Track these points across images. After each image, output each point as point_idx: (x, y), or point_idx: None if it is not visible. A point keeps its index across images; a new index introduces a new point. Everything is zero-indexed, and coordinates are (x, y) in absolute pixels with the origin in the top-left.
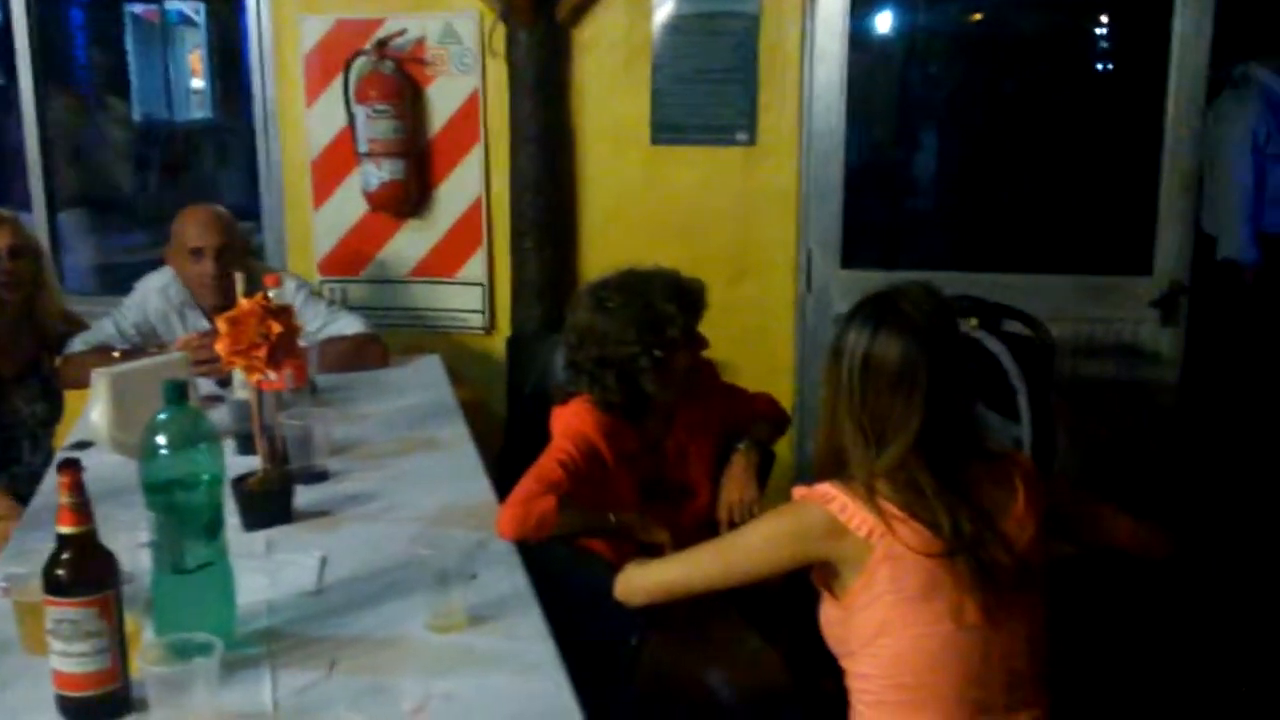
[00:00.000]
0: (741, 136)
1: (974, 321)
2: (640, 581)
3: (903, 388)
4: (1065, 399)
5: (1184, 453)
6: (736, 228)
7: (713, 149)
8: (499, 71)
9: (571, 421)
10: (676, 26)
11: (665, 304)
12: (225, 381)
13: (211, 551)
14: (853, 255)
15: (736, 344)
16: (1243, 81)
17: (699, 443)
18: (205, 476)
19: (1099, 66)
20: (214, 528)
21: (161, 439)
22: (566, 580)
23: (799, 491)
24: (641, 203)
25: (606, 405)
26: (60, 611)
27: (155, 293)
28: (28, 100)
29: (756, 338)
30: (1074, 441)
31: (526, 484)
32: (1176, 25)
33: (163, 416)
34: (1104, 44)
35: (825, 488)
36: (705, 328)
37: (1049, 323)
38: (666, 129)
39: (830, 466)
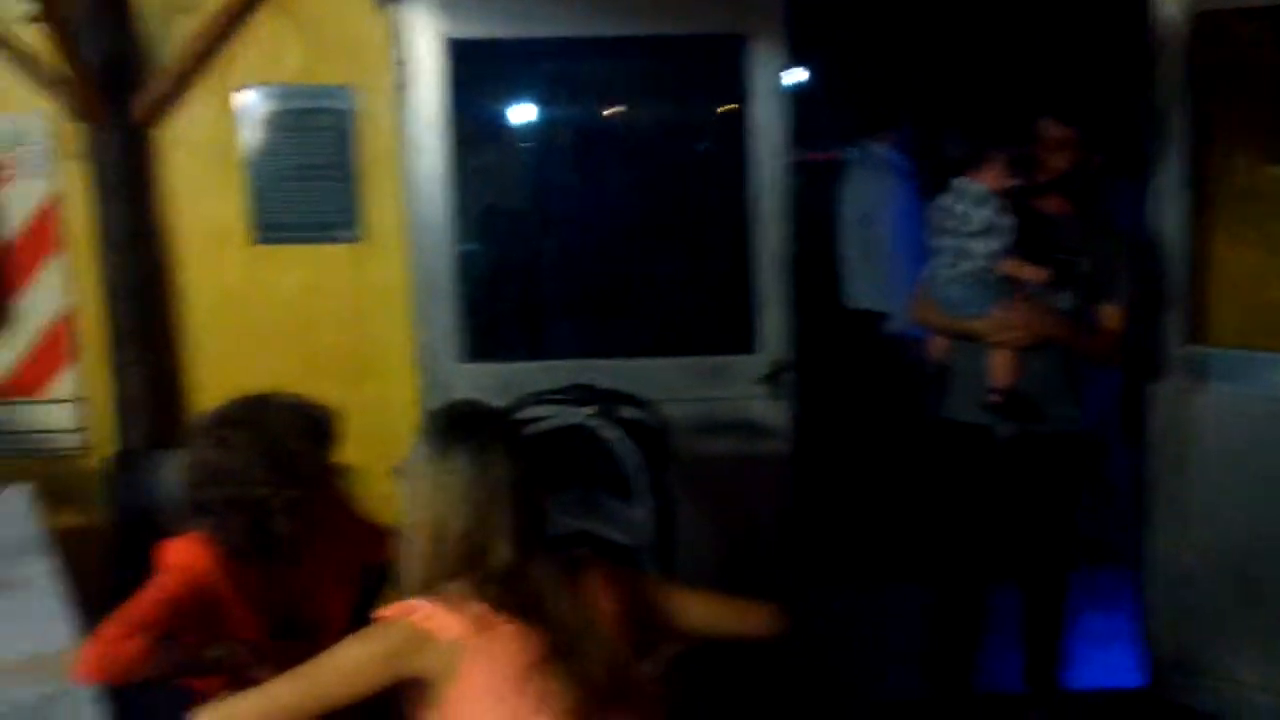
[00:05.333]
0: (345, 233)
1: (590, 410)
2: None
3: (497, 495)
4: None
5: (801, 523)
6: (349, 327)
7: (317, 247)
8: (78, 175)
9: (181, 557)
10: (267, 123)
11: (297, 439)
12: None
13: None
14: (476, 348)
15: (359, 448)
16: (864, 158)
17: (334, 575)
18: None
19: (703, 156)
20: None
21: None
22: None
23: (383, 612)
24: (246, 306)
25: (228, 546)
26: None
27: None
28: None
29: (379, 441)
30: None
31: (115, 623)
32: (752, 118)
33: None
34: (706, 135)
35: (409, 602)
36: None
37: (664, 404)
38: (267, 228)
39: (428, 581)
